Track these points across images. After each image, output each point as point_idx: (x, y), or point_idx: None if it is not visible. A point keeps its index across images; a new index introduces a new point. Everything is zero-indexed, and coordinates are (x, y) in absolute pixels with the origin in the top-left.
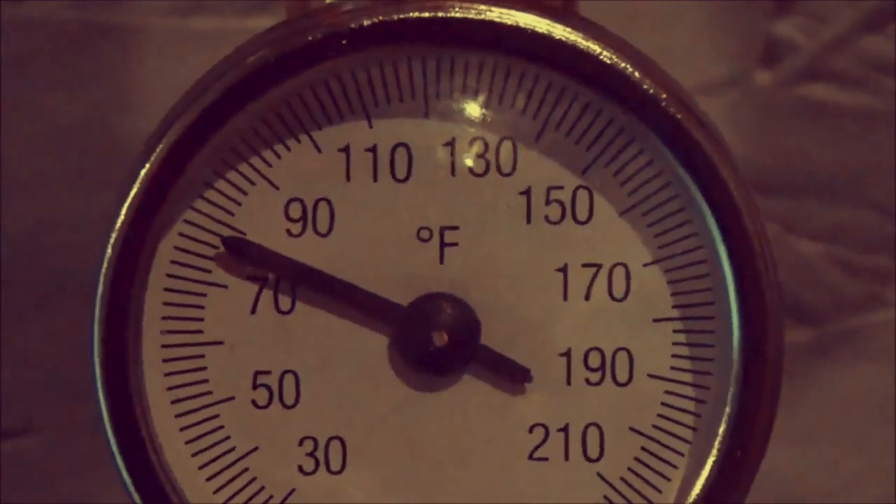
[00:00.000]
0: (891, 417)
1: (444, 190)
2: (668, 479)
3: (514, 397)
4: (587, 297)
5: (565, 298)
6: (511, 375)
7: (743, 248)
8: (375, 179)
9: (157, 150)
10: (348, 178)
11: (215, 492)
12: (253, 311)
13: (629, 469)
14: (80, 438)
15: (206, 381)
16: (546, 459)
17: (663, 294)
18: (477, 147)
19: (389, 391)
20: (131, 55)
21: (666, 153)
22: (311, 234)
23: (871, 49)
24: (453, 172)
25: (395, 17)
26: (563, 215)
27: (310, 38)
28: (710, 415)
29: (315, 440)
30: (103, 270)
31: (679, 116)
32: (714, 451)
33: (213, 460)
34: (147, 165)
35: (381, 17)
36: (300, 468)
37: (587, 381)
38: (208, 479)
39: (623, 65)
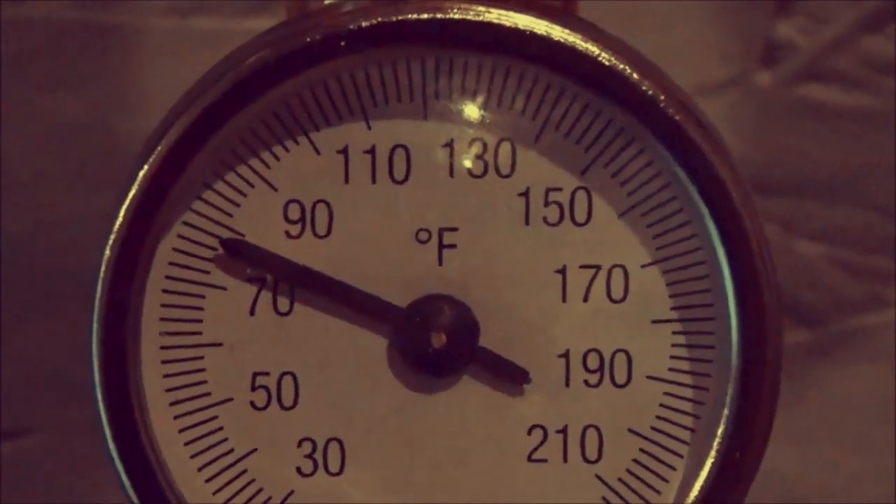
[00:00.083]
0: (891, 418)
1: (443, 191)
2: (667, 481)
3: (512, 399)
4: (586, 299)
5: (564, 300)
6: (510, 377)
7: (742, 249)
8: (374, 181)
9: (157, 151)
10: (347, 180)
11: (214, 493)
12: (252, 313)
13: (628, 470)
14: (80, 439)
15: (204, 382)
16: (545, 461)
17: (662, 295)
18: (476, 148)
19: (388, 392)
20: (131, 55)
21: (665, 154)
22: (309, 235)
23: (872, 49)
24: (452, 174)
25: (394, 18)
26: (562, 216)
27: (309, 39)
28: (709, 416)
29: (314, 441)
30: (102, 271)
31: (678, 117)
32: (713, 453)
33: (212, 461)
34: (146, 166)
35: (379, 19)
36: (299, 469)
37: (586, 382)
38: (207, 481)
39: (622, 66)
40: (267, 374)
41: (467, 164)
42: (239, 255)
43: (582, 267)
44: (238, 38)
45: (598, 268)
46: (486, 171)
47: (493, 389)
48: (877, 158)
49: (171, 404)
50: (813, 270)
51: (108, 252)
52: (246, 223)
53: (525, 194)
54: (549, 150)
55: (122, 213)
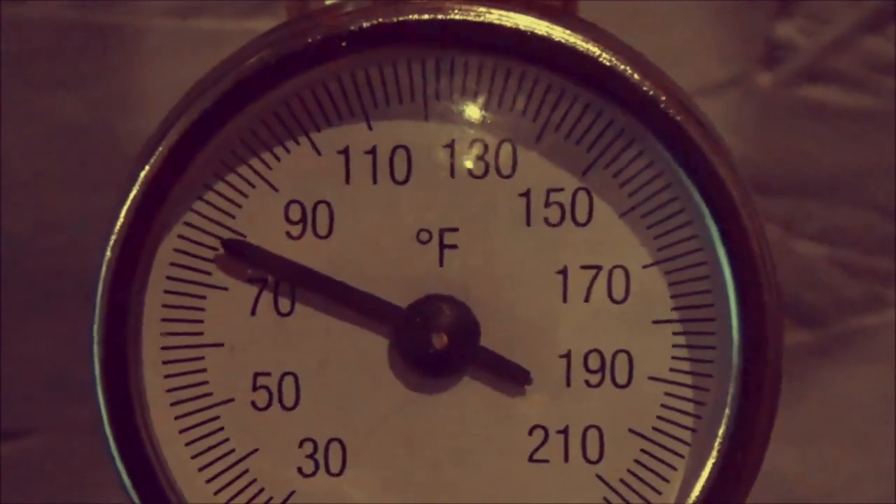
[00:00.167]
0: (891, 418)
1: (444, 192)
2: (668, 481)
3: (513, 399)
4: (587, 299)
5: (565, 300)
6: (511, 377)
7: (742, 249)
8: (375, 181)
9: (157, 151)
10: (348, 181)
11: (215, 493)
12: (253, 313)
13: (629, 471)
14: (80, 439)
15: (206, 382)
16: (546, 461)
17: (663, 296)
18: (476, 149)
19: (389, 393)
20: (131, 56)
21: (666, 155)
22: (310, 236)
23: (872, 50)
24: (453, 174)
25: (395, 19)
26: (563, 217)
27: (309, 39)
28: (710, 416)
29: (315, 442)
30: (103, 272)
31: (679, 118)
32: (714, 453)
33: (213, 462)
34: (147, 167)
35: (380, 19)
36: (300, 470)
37: (587, 382)
38: (208, 481)
39: (622, 66)
40: (268, 374)
41: (468, 164)
42: (240, 256)
43: (583, 267)
44: (238, 38)
45: (598, 268)
46: (486, 172)
47: (494, 390)
48: (877, 159)
49: (172, 404)
50: (813, 271)
51: (109, 252)
52: (247, 224)
53: (526, 195)
54: (549, 151)
55: (123, 214)
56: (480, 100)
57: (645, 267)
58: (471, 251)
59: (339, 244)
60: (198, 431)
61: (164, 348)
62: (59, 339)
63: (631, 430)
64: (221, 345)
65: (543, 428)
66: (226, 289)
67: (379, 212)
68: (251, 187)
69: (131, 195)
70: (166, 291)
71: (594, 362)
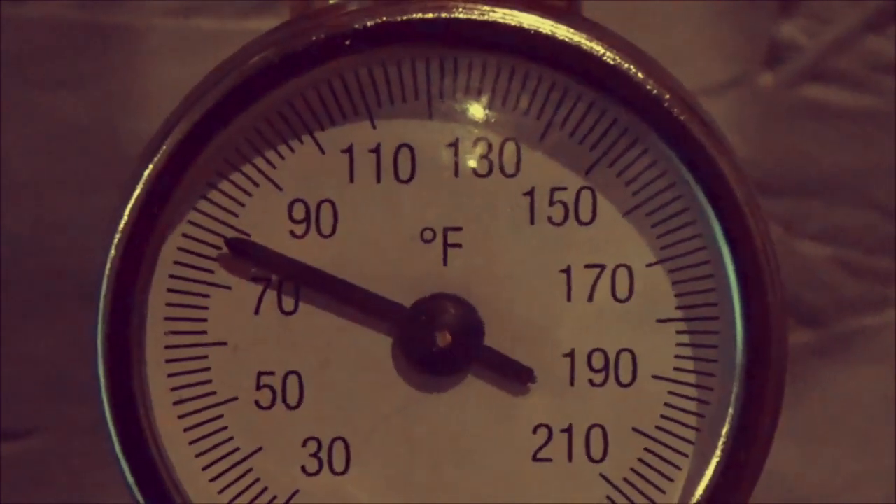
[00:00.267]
0: (892, 418)
1: (448, 191)
2: (672, 480)
3: (517, 398)
4: (590, 298)
5: (569, 299)
6: (514, 376)
7: (746, 248)
8: (379, 180)
9: (161, 150)
10: (352, 179)
11: (219, 492)
12: (256, 312)
13: (632, 470)
14: (80, 440)
15: (209, 381)
16: (549, 460)
17: (667, 295)
18: (480, 148)
19: (393, 392)
20: (132, 56)
21: (669, 154)
22: (314, 234)
23: (874, 50)
24: (457, 173)
25: (399, 17)
26: (567, 216)
27: (313, 38)
28: (714, 416)
29: (318, 441)
30: (107, 271)
31: (682, 117)
32: (717, 452)
33: (217, 461)
34: (150, 166)
35: (384, 18)
36: (304, 469)
37: (591, 381)
38: (212, 480)
39: (626, 65)
40: (272, 373)
41: (472, 163)
42: (244, 255)
43: (587, 266)
44: (240, 38)
45: (602, 267)
46: (490, 171)
47: (497, 389)
48: (879, 159)
49: (176, 403)
50: (815, 271)
51: (112, 251)
52: (251, 222)
53: (530, 194)
54: (553, 150)
55: (126, 213)
56: (484, 98)
57: (649, 266)
58: (474, 250)
59: (343, 243)
60: (201, 430)
61: (167, 347)
62: (59, 339)
63: (635, 430)
64: (225, 344)
65: (547, 427)
66: (229, 288)
67: (383, 211)
68: (255, 186)
69: (135, 194)
70: (170, 290)
71: (598, 361)
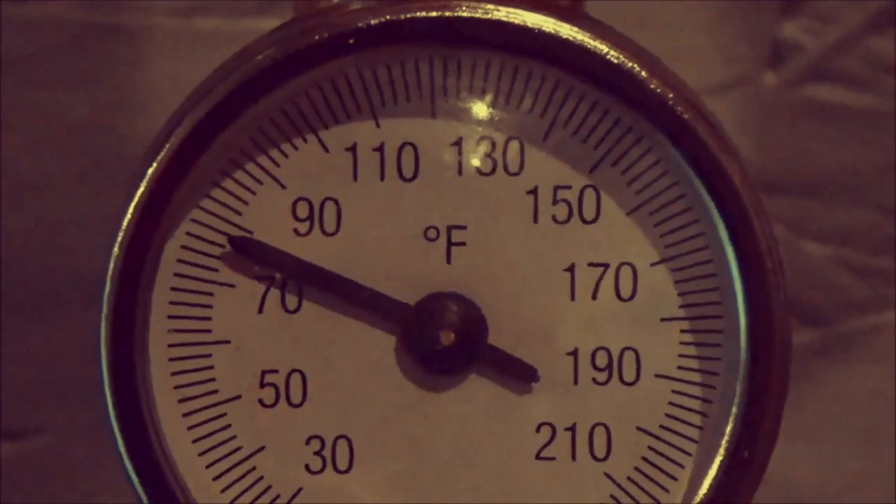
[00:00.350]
0: (893, 418)
1: (452, 189)
2: (675, 479)
3: (521, 397)
4: (594, 297)
5: (572, 298)
6: (518, 375)
7: (750, 247)
8: (382, 179)
9: (165, 149)
10: (355, 178)
11: (222, 491)
12: (260, 311)
13: (636, 469)
14: (82, 440)
15: (213, 380)
16: (553, 459)
17: (670, 294)
18: (484, 146)
19: (396, 390)
20: (136, 55)
21: (673, 153)
22: (318, 233)
23: (877, 50)
24: (460, 172)
25: (403, 16)
26: (571, 215)
27: (317, 37)
28: (718, 414)
29: (322, 439)
30: (110, 269)
31: (686, 116)
32: (721, 451)
33: (220, 459)
34: (154, 164)
35: (388, 17)
36: (307, 467)
37: (594, 380)
38: (215, 479)
39: (630, 64)
40: (275, 371)
41: (476, 162)
42: (247, 253)
43: (590, 265)
44: (243, 37)
45: (606, 266)
46: (494, 170)
47: (501, 387)
48: (882, 159)
49: (180, 402)
50: (818, 271)
51: (116, 250)
52: (254, 221)
53: (533, 192)
54: (557, 149)
55: (130, 212)
56: (488, 97)
57: (652, 265)
58: (478, 249)
59: (347, 241)
60: (205, 429)
61: (171, 345)
62: (60, 339)
63: (638, 428)
64: (228, 342)
65: (551, 426)
66: (233, 286)
67: (386, 209)
68: (259, 184)
69: (139, 193)
70: (173, 289)
71: (601, 360)
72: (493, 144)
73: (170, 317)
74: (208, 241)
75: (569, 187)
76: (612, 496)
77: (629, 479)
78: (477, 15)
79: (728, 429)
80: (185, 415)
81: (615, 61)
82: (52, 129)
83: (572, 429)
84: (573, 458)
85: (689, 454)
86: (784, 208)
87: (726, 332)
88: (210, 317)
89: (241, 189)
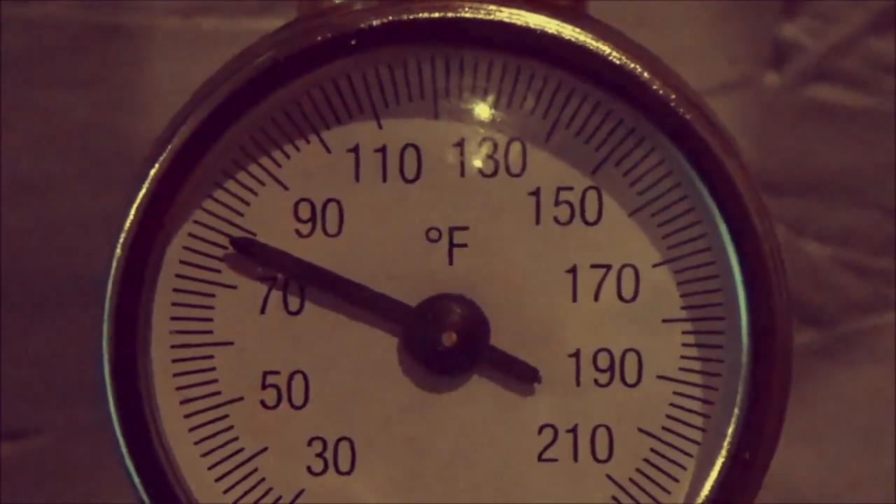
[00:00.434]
0: (894, 419)
1: (454, 190)
2: (677, 481)
3: (522, 398)
4: (596, 298)
5: (574, 299)
6: (520, 376)
7: (752, 248)
8: (385, 180)
9: (167, 150)
10: (357, 179)
11: (224, 492)
12: (262, 312)
13: (638, 470)
14: (82, 440)
15: (215, 381)
16: (555, 460)
17: (672, 295)
18: (486, 147)
19: (398, 392)
20: (137, 55)
21: (675, 154)
22: (320, 234)
23: (878, 50)
24: (463, 173)
25: (405, 17)
26: (573, 216)
27: (319, 37)
28: (719, 416)
29: (324, 441)
30: (112, 271)
31: (688, 117)
32: (723, 452)
33: (223, 461)
34: (156, 166)
35: (390, 17)
36: (309, 469)
37: (596, 381)
38: (217, 480)
39: (632, 65)
40: (277, 373)
41: (478, 163)
42: (249, 254)
43: (592, 266)
44: (245, 38)
45: (608, 267)
46: (496, 171)
47: (503, 389)
48: (883, 159)
49: (182, 403)
50: (820, 271)
51: (118, 251)
52: (256, 222)
53: (536, 193)
54: (559, 150)
55: (132, 213)
56: (490, 98)
57: (654, 266)
58: (480, 250)
59: (349, 242)
60: (207, 430)
61: (173, 347)
62: (60, 339)
63: (640, 430)
64: (231, 343)
65: (553, 427)
66: (235, 287)
67: (389, 210)
68: (261, 185)
69: (141, 193)
70: (175, 290)
71: (603, 361)
72: (496, 145)
73: (172, 318)
74: (210, 242)
75: (571, 188)
76: (613, 497)
77: (631, 480)
78: (479, 16)
79: (730, 430)
80: (187, 416)
81: (617, 62)
82: (53, 129)
83: (574, 430)
84: (575, 459)
85: (690, 455)
86: (785, 208)
87: (728, 333)
88: (212, 318)
89: (243, 190)
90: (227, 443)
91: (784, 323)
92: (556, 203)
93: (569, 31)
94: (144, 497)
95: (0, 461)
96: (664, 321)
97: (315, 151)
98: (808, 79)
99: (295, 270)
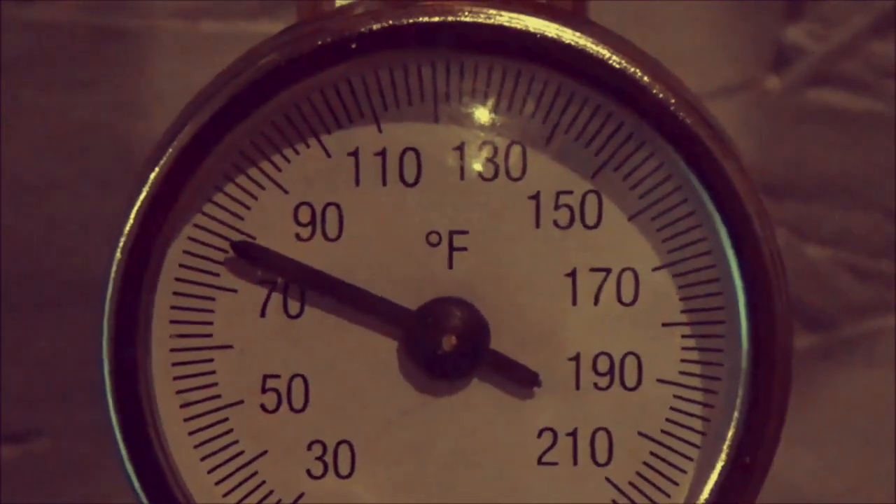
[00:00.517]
0: (894, 421)
1: (454, 194)
2: (677, 484)
3: (522, 402)
4: (596, 302)
5: (574, 303)
6: (520, 380)
7: (752, 252)
8: (385, 184)
9: (167, 153)
10: (357, 183)
11: (225, 495)
12: (262, 315)
13: (638, 473)
14: (83, 442)
15: (215, 384)
16: (555, 464)
17: (672, 299)
18: (486, 151)
19: (398, 395)
20: (138, 58)
21: (675, 157)
22: (320, 238)
23: (880, 53)
24: (462, 177)
25: (405, 21)
26: (572, 220)
27: (320, 41)
28: (719, 419)
29: (324, 444)
30: (112, 274)
31: (688, 121)
32: (723, 456)
33: (223, 464)
34: (157, 169)
35: (390, 22)
36: (309, 472)
37: (596, 385)
38: (217, 483)
39: (632, 69)
40: (277, 376)
41: (478, 167)
42: (249, 258)
43: (592, 270)
44: (246, 41)
45: (608, 271)
46: (496, 174)
47: (503, 392)
48: (884, 162)
49: (182, 407)
50: (820, 274)
51: (118, 254)
52: (256, 226)
53: (535, 197)
54: (559, 154)
55: (132, 216)
56: (490, 102)
57: (654, 270)
58: (480, 254)
59: (349, 246)
60: (207, 433)
61: (173, 350)
62: (60, 341)
63: (640, 433)
64: (231, 347)
65: (552, 430)
66: (235, 291)
67: (388, 214)
68: (261, 189)
69: (141, 197)
70: (175, 293)
71: (603, 365)
72: (496, 149)
73: (172, 321)
74: (210, 245)
75: (571, 192)
76: (613, 501)
77: (631, 483)
78: (479, 20)
79: (730, 433)
80: (186, 419)
81: (617, 66)
82: (53, 130)
83: (574, 434)
84: (575, 462)
85: (690, 459)
86: (785, 211)
87: (728, 336)
88: (212, 321)
89: (243, 194)
90: (227, 446)
91: (784, 326)
92: (556, 207)
93: (569, 35)
94: (144, 500)
95: (0, 462)
96: (664, 325)
97: (315, 155)
98: (809, 82)
99: (295, 274)
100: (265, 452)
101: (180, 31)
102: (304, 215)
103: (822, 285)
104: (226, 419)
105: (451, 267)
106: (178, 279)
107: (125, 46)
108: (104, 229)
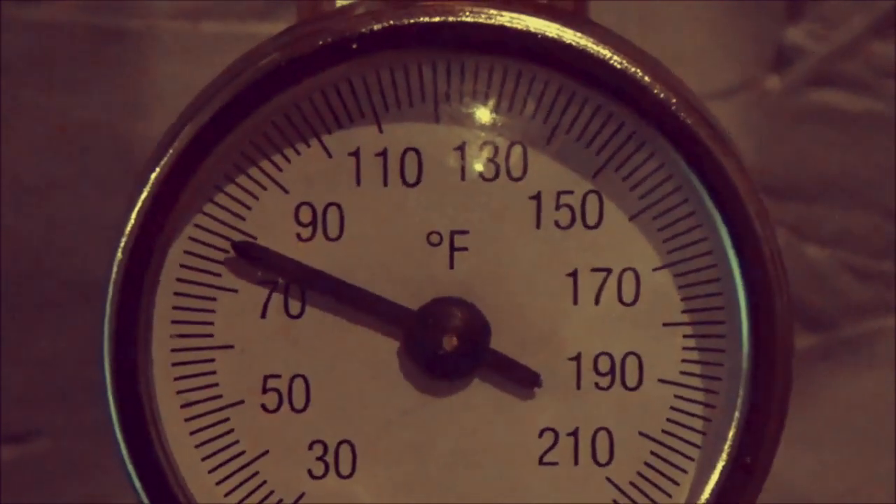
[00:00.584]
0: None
1: (455, 194)
2: (678, 484)
3: (523, 401)
4: (597, 302)
5: (575, 303)
6: (521, 380)
7: (753, 252)
8: (385, 184)
9: (168, 153)
10: (358, 183)
11: (225, 495)
12: (263, 315)
13: (639, 473)
14: (83, 442)
15: (216, 384)
16: (556, 464)
17: (673, 299)
18: (487, 151)
19: (399, 395)
20: (139, 59)
21: (676, 157)
22: (321, 238)
23: (881, 54)
24: (463, 177)
25: (406, 21)
26: (573, 220)
27: (320, 42)
28: (720, 419)
29: (325, 444)
30: (113, 274)
31: (689, 121)
32: (723, 456)
33: (223, 464)
34: (157, 169)
35: (391, 22)
36: (310, 472)
37: (597, 385)
38: (218, 483)
39: (633, 69)
40: (278, 376)
41: (479, 167)
42: (250, 258)
43: (593, 270)
44: (246, 41)
45: (609, 271)
46: (497, 175)
47: (504, 392)
48: (884, 162)
49: (182, 407)
50: (821, 275)
51: (119, 255)
52: (257, 226)
53: (536, 197)
54: (560, 154)
55: (133, 216)
56: (491, 102)
57: (655, 270)
58: (481, 254)
59: (350, 246)
60: (208, 433)
61: (174, 350)
62: (61, 341)
63: (641, 433)
64: (231, 347)
65: (553, 430)
66: (236, 291)
67: (389, 214)
68: (262, 189)
69: (142, 197)
70: (176, 293)
71: (604, 365)
72: (496, 149)
73: (173, 321)
74: (211, 246)
75: (571, 192)
76: (614, 501)
77: (631, 483)
78: (480, 20)
79: (730, 433)
80: (187, 419)
81: (618, 66)
82: (54, 130)
83: (575, 434)
84: (576, 462)
85: (691, 459)
86: (786, 212)
87: (729, 336)
88: (213, 321)
89: (244, 194)
90: (227, 446)
91: (785, 327)
92: (557, 207)
93: (569, 35)
94: (145, 500)
95: (0, 462)
96: (665, 325)
97: (316, 155)
98: (810, 82)
99: (296, 274)
100: (266, 452)
101: (181, 31)
102: (305, 215)
103: (822, 285)
104: (227, 419)
105: (451, 267)
106: (178, 279)
107: (125, 47)
108: (104, 229)
